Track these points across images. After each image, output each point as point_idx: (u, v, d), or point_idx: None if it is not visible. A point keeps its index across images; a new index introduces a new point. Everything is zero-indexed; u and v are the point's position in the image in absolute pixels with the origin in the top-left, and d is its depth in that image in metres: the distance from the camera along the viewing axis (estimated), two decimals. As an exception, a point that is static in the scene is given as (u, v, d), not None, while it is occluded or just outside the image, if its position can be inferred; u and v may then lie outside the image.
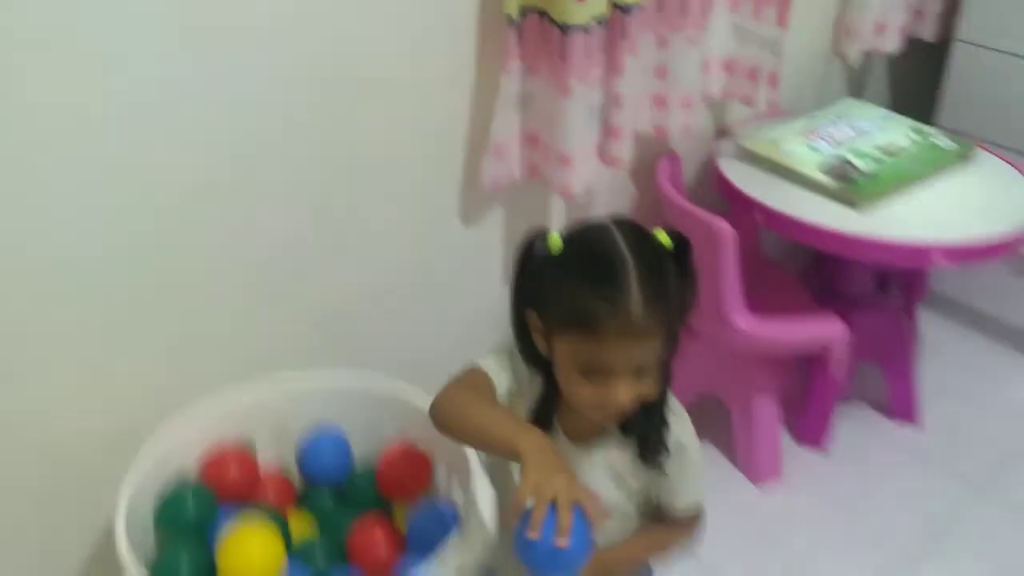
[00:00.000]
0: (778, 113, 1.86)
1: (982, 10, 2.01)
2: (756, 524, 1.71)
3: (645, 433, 1.00)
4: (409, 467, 1.23)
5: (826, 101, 1.97)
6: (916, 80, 2.25)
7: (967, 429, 1.92)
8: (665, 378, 0.98)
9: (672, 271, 0.94)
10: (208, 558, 1.07)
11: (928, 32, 2.12)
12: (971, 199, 1.69)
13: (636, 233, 0.95)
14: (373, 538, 1.16)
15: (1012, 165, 1.79)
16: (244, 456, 1.21)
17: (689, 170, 1.84)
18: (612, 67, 1.45)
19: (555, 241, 0.95)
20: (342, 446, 1.25)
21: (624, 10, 1.41)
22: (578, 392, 0.93)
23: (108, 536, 1.12)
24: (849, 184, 1.65)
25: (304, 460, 1.25)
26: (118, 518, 1.06)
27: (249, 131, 1.19)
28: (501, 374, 1.00)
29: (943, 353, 2.09)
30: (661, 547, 1.10)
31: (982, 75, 2.03)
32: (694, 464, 1.05)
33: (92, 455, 1.18)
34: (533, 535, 0.80)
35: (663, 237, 0.96)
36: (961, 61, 2.06)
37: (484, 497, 1.10)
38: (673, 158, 1.75)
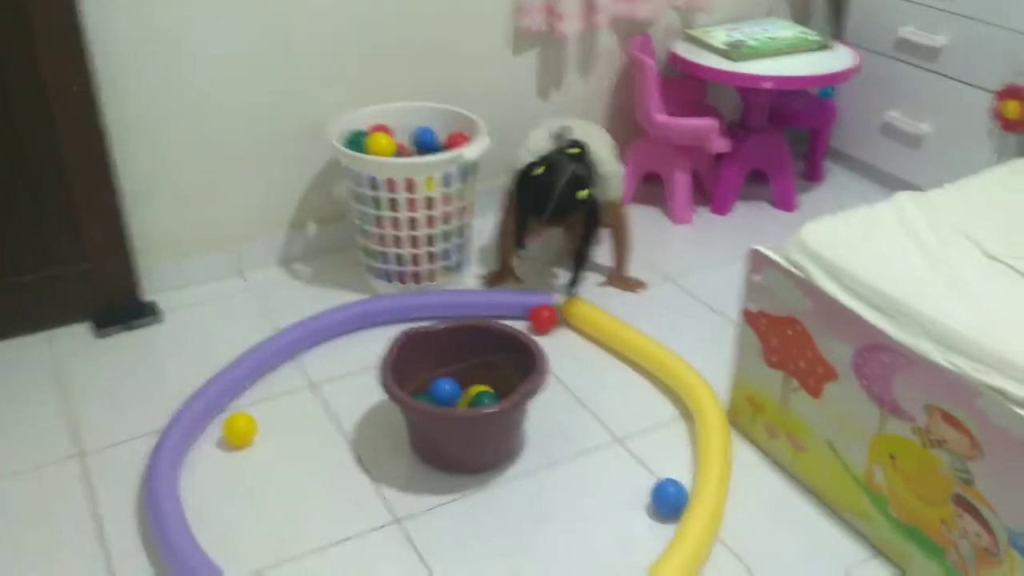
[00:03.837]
0: (725, 22, 3.15)
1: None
2: (673, 244, 3.00)
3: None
4: (459, 139, 2.64)
5: (761, 18, 3.24)
6: (834, 11, 3.41)
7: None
8: (590, 226, 2.46)
9: (581, 208, 2.38)
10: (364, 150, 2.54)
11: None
12: (806, 62, 2.93)
13: (568, 187, 2.33)
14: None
15: (854, 51, 3.01)
16: (387, 129, 2.68)
17: (661, 49, 3.15)
18: (592, -29, 2.83)
19: (536, 170, 2.36)
20: (431, 134, 2.68)
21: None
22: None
23: (328, 162, 2.63)
24: (734, 49, 2.94)
25: (417, 138, 2.69)
26: (333, 140, 2.53)
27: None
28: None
29: (831, 185, 3.30)
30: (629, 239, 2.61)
31: (871, 11, 3.21)
32: (611, 183, 2.53)
33: (319, 120, 2.66)
34: None
35: (584, 193, 2.35)
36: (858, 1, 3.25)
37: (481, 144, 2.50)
38: (645, 36, 3.08)
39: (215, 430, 2.15)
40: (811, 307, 1.85)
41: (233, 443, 2.12)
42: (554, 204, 2.36)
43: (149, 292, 2.62)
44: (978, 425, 1.57)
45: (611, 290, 2.70)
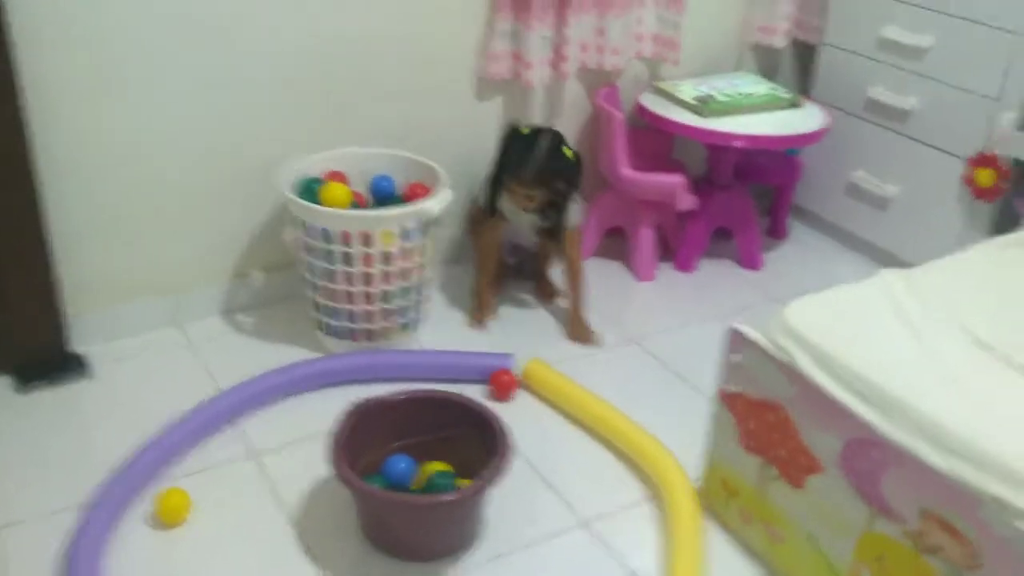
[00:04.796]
0: (693, 75, 3.07)
1: (842, 23, 3.13)
2: (637, 302, 2.89)
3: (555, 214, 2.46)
4: (419, 190, 2.49)
5: (730, 72, 3.17)
6: (802, 67, 3.36)
7: (786, 279, 3.02)
8: (559, 205, 2.43)
9: (564, 169, 2.35)
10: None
11: (809, 36, 3.26)
12: (776, 120, 2.85)
13: (555, 143, 2.33)
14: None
15: (823, 111, 2.95)
16: (342, 176, 2.52)
17: (628, 99, 3.05)
18: (561, 21, 2.72)
19: (523, 129, 2.29)
20: (391, 183, 2.53)
21: (568, -11, 2.68)
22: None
23: (277, 208, 2.47)
24: (703, 104, 2.85)
25: (374, 187, 2.53)
26: (284, 188, 2.37)
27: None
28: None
29: (796, 243, 3.24)
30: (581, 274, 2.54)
31: (840, 69, 3.16)
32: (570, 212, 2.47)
33: (268, 163, 2.50)
34: None
35: (568, 152, 2.32)
36: (827, 58, 3.19)
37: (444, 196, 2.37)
38: (612, 87, 2.97)
39: (146, 505, 1.96)
40: (796, 394, 1.74)
41: (165, 521, 1.93)
42: (541, 158, 2.39)
43: (77, 343, 2.42)
44: (979, 535, 1.47)
45: (572, 351, 2.57)
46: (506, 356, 2.41)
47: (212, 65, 2.36)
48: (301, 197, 2.34)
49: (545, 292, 2.81)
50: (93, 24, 2.18)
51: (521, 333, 2.65)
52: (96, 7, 2.17)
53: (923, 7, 2.78)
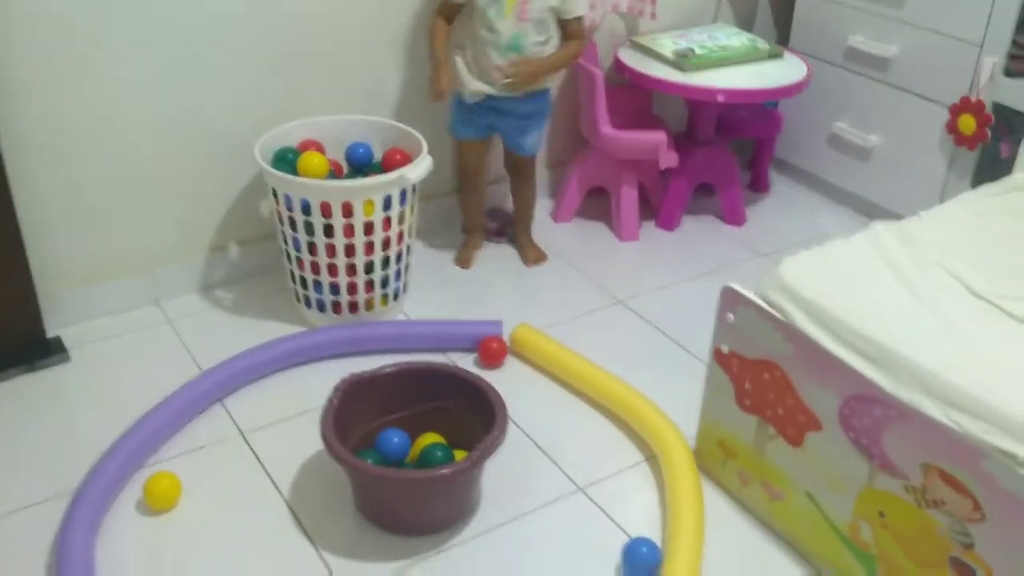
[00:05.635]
0: (671, 28, 3.01)
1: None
2: (621, 262, 2.85)
3: None
4: (398, 156, 2.42)
5: (707, 24, 3.11)
6: (780, 16, 3.32)
7: (770, 233, 2.99)
8: None
9: None
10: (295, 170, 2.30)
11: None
12: (757, 72, 2.81)
13: None
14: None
15: (804, 61, 2.90)
16: (318, 145, 2.45)
17: (606, 56, 2.99)
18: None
19: None
20: (368, 149, 2.47)
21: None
22: None
23: (253, 179, 2.40)
24: (683, 59, 2.80)
25: (350, 155, 2.46)
26: (260, 159, 2.30)
27: None
28: None
29: (778, 197, 3.21)
30: (567, 56, 2.44)
31: (818, 17, 3.11)
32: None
33: (241, 134, 2.42)
34: None
35: None
36: (804, 6, 3.13)
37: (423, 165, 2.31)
38: (591, 45, 2.91)
39: (134, 491, 1.92)
40: (792, 352, 1.72)
41: (155, 506, 1.89)
42: None
43: (53, 326, 2.36)
44: (982, 488, 1.46)
45: (559, 315, 2.53)
46: (494, 323, 2.38)
47: (180, 37, 2.28)
48: (277, 168, 2.28)
49: (529, 256, 2.77)
50: (55, 1, 2.10)
51: (506, 298, 2.62)
52: (54, -23, 2.08)
53: (902, -48, 2.74)
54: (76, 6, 2.13)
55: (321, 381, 1.99)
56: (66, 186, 2.29)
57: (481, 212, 2.81)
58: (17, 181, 2.17)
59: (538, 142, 2.67)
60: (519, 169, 2.73)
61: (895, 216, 2.04)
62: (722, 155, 2.99)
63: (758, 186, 3.24)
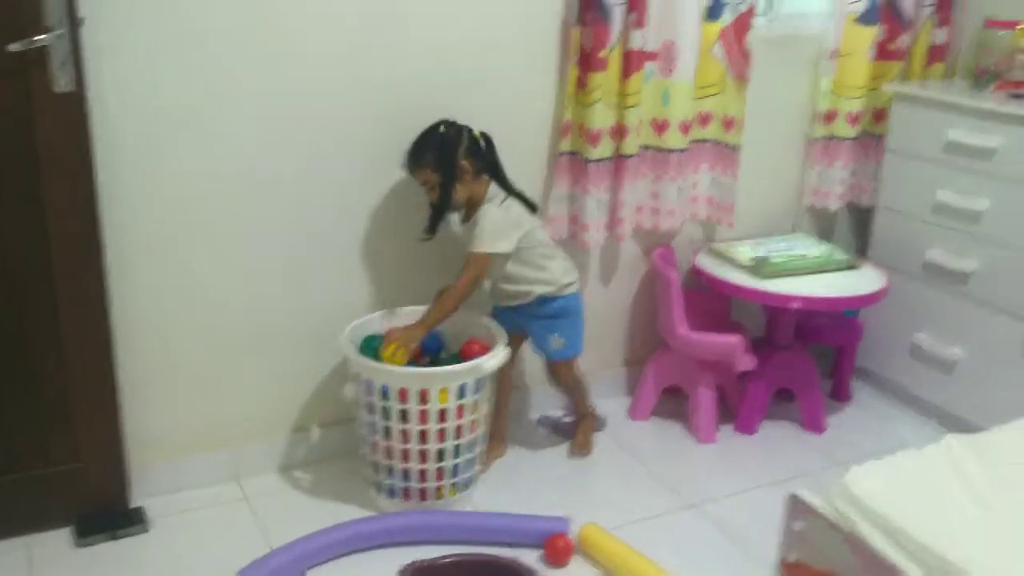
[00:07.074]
0: (749, 236, 3.11)
1: (896, 187, 3.16)
2: (697, 465, 2.83)
3: (439, 211, 2.44)
4: (475, 347, 2.51)
5: (786, 234, 3.21)
6: (858, 228, 3.39)
7: (850, 443, 2.94)
8: (444, 193, 2.41)
9: (429, 141, 2.41)
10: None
11: (865, 200, 3.29)
12: (833, 281, 2.86)
13: (435, 126, 2.41)
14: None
15: (882, 272, 2.95)
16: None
17: (685, 259, 3.09)
18: (617, 185, 2.80)
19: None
20: (437, 339, 2.58)
21: (623, 156, 2.77)
22: None
23: (333, 366, 2.53)
24: (760, 266, 2.87)
25: (424, 344, 2.57)
26: (346, 346, 2.43)
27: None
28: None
29: (859, 406, 3.17)
30: (452, 298, 2.43)
31: (896, 231, 3.17)
32: (481, 229, 2.39)
33: (330, 321, 2.56)
34: None
35: (477, 134, 2.43)
36: (883, 220, 3.21)
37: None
38: (668, 248, 3.02)
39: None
40: (859, 564, 1.68)
41: None
42: (415, 142, 2.43)
43: (137, 495, 2.46)
44: None
45: (629, 515, 2.50)
46: (561, 519, 2.37)
47: (276, 220, 2.48)
48: (362, 354, 2.40)
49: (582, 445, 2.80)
50: (165, 184, 2.33)
51: (576, 494, 2.61)
52: (167, 168, 2.32)
53: (975, 172, 2.81)
54: (190, 189, 2.36)
55: (384, 567, 2.01)
56: (164, 358, 2.45)
57: (504, 405, 2.76)
58: (119, 351, 2.34)
59: (564, 348, 2.65)
60: (551, 373, 2.82)
61: (980, 429, 2.01)
62: (801, 361, 3.00)
63: (840, 394, 3.21)
